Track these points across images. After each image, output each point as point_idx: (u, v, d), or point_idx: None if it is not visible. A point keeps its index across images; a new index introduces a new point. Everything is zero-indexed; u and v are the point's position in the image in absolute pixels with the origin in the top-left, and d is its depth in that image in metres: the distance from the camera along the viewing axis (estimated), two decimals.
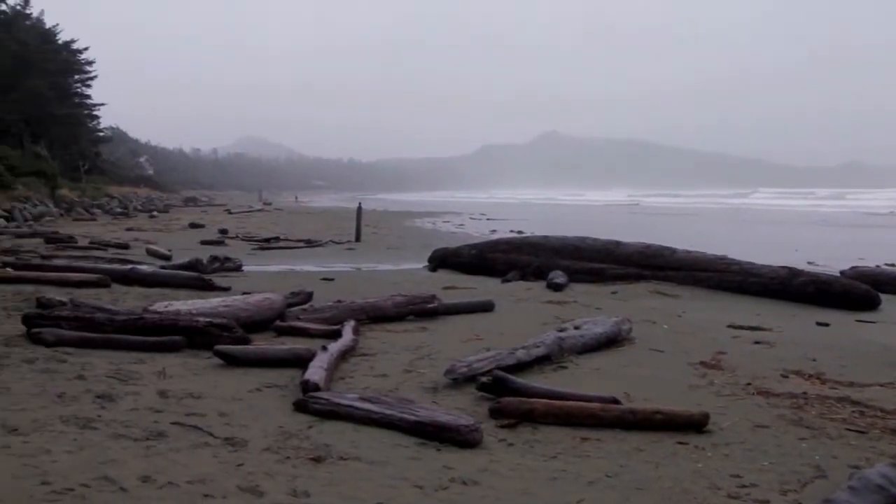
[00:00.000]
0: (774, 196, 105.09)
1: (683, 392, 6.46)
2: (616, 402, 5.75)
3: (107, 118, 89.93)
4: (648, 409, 5.52)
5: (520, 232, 28.31)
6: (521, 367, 6.87)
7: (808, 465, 4.76)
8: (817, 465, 4.74)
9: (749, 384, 6.67)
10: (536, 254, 15.56)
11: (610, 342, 8.26)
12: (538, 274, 14.67)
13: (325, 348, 6.96)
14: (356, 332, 8.36)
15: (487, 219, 46.22)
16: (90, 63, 71.10)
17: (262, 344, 7.85)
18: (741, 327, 9.66)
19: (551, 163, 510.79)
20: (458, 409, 5.63)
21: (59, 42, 67.72)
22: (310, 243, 24.23)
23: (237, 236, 26.68)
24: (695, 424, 5.37)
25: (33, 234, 24.90)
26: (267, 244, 23.84)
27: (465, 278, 15.10)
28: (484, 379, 6.15)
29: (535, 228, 29.88)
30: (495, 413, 5.56)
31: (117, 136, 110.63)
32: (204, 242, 23.23)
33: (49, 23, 66.56)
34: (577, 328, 8.27)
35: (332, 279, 14.24)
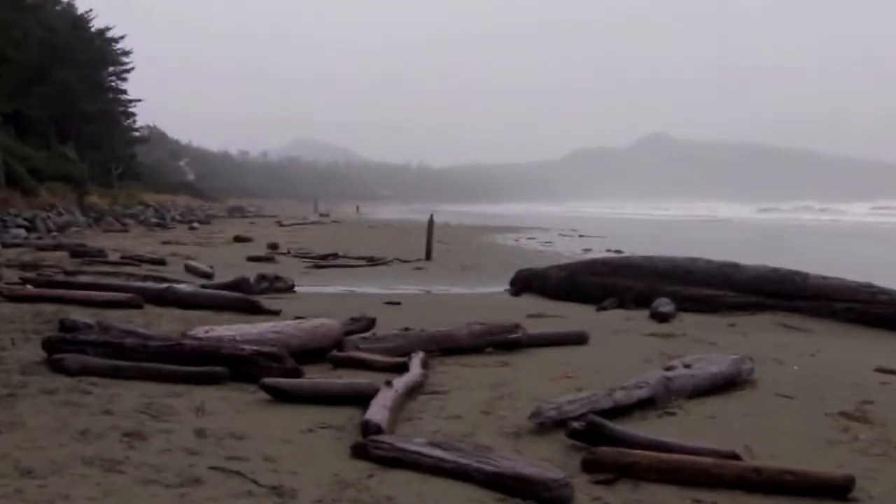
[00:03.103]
0: None
1: (820, 448, 6.27)
2: (735, 457, 5.61)
3: (144, 116, 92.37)
4: (776, 468, 5.37)
5: (618, 251, 28.12)
6: (619, 411, 6.77)
7: None
8: None
9: None
10: (638, 277, 15.38)
11: (727, 384, 8.08)
12: (640, 301, 14.50)
13: (389, 384, 6.97)
14: (425, 365, 8.37)
15: (580, 235, 45.97)
16: (126, 54, 73.33)
17: (317, 377, 7.89)
18: (893, 371, 9.34)
19: (658, 170, 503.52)
20: (545, 460, 5.58)
21: (93, 30, 69.77)
22: (372, 261, 24.40)
23: (289, 252, 26.98)
24: (835, 489, 5.19)
25: (57, 247, 25.62)
26: (323, 262, 24.09)
27: (553, 305, 15.01)
28: (576, 424, 6.06)
29: (636, 247, 29.58)
30: (589, 466, 5.47)
31: (155, 136, 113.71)
32: (251, 259, 23.60)
33: (83, 7, 68.87)
34: (687, 366, 8.12)
35: (398, 303, 14.32)
